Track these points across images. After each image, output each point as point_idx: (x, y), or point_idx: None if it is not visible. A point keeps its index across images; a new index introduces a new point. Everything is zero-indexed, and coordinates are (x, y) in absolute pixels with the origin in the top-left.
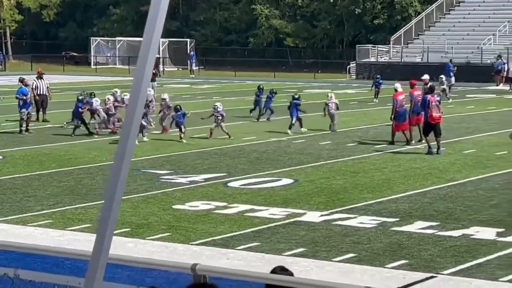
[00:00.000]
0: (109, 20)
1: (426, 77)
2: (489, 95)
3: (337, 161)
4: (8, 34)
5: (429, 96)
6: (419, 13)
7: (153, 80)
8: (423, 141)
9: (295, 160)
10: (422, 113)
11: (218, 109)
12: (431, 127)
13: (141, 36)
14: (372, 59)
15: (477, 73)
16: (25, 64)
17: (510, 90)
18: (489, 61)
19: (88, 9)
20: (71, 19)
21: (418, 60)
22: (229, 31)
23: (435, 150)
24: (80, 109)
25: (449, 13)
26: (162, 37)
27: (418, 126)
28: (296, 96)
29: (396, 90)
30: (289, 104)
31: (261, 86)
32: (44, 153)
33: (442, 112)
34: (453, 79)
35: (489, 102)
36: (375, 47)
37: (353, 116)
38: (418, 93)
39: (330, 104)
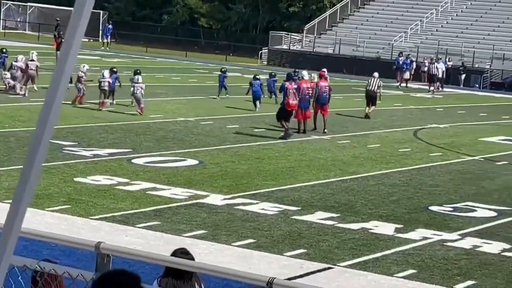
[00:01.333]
0: None
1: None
2: (396, 91)
3: (243, 146)
4: None
5: (287, 84)
6: (334, 5)
7: (58, 49)
8: (324, 130)
9: (202, 141)
10: (327, 103)
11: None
12: (287, 113)
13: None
14: (285, 47)
15: (386, 69)
16: None
17: (432, 90)
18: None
19: None
20: None
21: (330, 51)
22: (144, 6)
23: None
24: None
25: (363, 7)
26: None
27: (323, 116)
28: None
29: (302, 78)
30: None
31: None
32: None
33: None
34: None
35: (396, 99)
36: (288, 34)
37: (263, 103)
38: (324, 84)
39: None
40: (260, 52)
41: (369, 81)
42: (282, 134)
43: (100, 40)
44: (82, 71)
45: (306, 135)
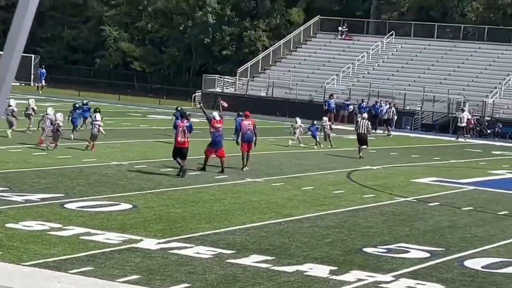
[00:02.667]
0: None
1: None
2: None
3: (177, 189)
4: None
5: (178, 121)
6: (266, 48)
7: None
8: (244, 169)
9: (135, 185)
10: (253, 140)
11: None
12: (178, 151)
13: None
14: (218, 90)
15: (319, 112)
16: None
17: (386, 134)
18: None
19: None
20: None
21: (263, 94)
22: (76, 50)
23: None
24: None
25: (295, 51)
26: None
27: (247, 153)
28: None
29: (214, 118)
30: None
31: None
32: None
33: (187, 138)
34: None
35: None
36: (221, 77)
37: (196, 145)
38: (248, 122)
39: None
40: (194, 95)
41: (359, 123)
42: (178, 171)
43: (32, 84)
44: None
45: (240, 178)
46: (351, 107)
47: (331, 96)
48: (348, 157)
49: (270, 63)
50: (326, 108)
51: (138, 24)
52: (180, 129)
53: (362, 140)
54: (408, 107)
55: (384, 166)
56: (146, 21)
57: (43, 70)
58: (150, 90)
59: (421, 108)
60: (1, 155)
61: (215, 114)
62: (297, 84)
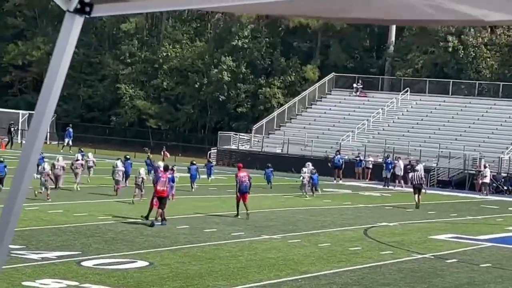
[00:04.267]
0: None
1: None
2: (345, 190)
3: (194, 246)
4: None
5: (161, 173)
6: (281, 105)
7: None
8: (248, 214)
9: (152, 242)
10: (248, 191)
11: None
12: (159, 199)
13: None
14: (233, 147)
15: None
16: None
17: (398, 186)
18: (346, 157)
19: None
20: None
21: (278, 151)
22: (92, 108)
23: (159, 222)
24: None
25: (311, 107)
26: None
27: (244, 203)
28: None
29: (159, 168)
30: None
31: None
32: None
33: (167, 187)
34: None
35: (346, 197)
36: (237, 134)
37: (212, 202)
38: (243, 174)
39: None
40: (209, 152)
41: (413, 175)
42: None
43: (48, 142)
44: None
45: (256, 235)
46: (369, 163)
47: (337, 152)
48: (365, 213)
49: (285, 120)
50: (333, 164)
51: (154, 82)
52: (162, 179)
53: (417, 189)
54: (423, 164)
55: (401, 222)
56: (162, 79)
57: (71, 130)
58: (166, 147)
59: (437, 165)
60: None
61: (160, 163)
62: (312, 140)
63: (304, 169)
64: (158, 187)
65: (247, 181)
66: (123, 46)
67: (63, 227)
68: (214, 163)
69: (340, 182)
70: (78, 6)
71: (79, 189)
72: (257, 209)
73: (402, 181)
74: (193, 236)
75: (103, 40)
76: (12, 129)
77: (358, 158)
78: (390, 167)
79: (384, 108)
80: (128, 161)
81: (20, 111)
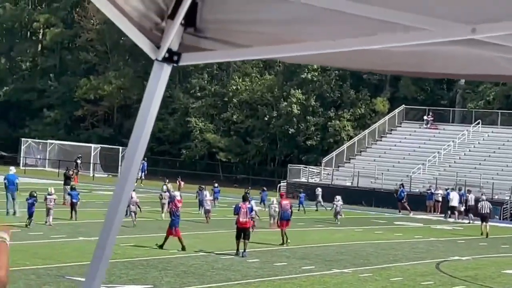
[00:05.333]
0: (42, 122)
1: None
2: (417, 223)
3: (264, 280)
4: None
5: (241, 203)
6: (351, 137)
7: (66, 183)
8: (285, 245)
9: (222, 276)
10: (290, 218)
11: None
12: (239, 231)
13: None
14: (303, 180)
15: (407, 201)
16: None
17: (444, 218)
18: (417, 190)
19: (21, 110)
20: (3, 118)
21: (348, 183)
22: (162, 141)
23: (241, 252)
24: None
25: (381, 140)
26: (94, 143)
27: (284, 230)
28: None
29: (176, 198)
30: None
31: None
32: None
33: (249, 218)
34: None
35: (417, 231)
36: (306, 167)
37: (280, 235)
38: (286, 202)
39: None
40: (279, 185)
41: (481, 205)
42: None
43: (118, 175)
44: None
45: (327, 268)
46: (439, 196)
47: (401, 185)
48: (437, 246)
49: (355, 152)
50: (397, 197)
51: (224, 115)
52: (243, 210)
53: (484, 218)
54: (496, 197)
55: (474, 256)
56: (231, 112)
57: (145, 163)
58: (235, 180)
59: (510, 197)
60: (86, 246)
61: (177, 193)
62: (382, 173)
63: (338, 197)
64: (240, 219)
65: (289, 209)
66: (193, 80)
67: (135, 260)
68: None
69: (400, 214)
70: (167, 55)
71: (163, 218)
72: (328, 243)
73: (456, 213)
74: (263, 270)
75: (173, 74)
76: (79, 161)
77: (429, 191)
78: (448, 198)
79: (455, 141)
80: (204, 191)
81: (92, 145)
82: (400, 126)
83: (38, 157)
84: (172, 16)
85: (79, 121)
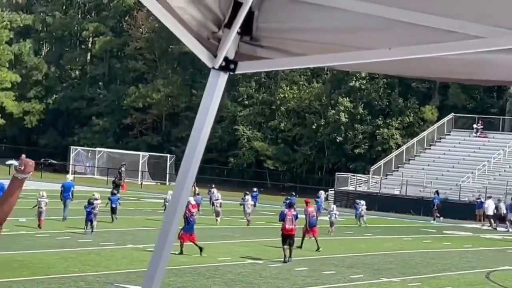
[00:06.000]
0: (91, 130)
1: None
2: (466, 232)
3: None
4: None
5: (286, 210)
6: (399, 146)
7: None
8: (319, 249)
9: (270, 284)
10: (316, 225)
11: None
12: (286, 237)
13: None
14: (351, 188)
15: (455, 210)
16: (3, 168)
17: (491, 228)
18: (467, 199)
19: (71, 118)
20: (53, 126)
21: (396, 192)
22: (210, 149)
23: (288, 258)
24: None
25: (429, 148)
26: (142, 150)
27: (314, 237)
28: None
29: (190, 203)
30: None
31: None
32: (17, 260)
33: (295, 225)
34: None
35: (466, 240)
36: (354, 176)
37: (330, 244)
38: (311, 209)
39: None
40: (327, 193)
41: None
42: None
43: (167, 184)
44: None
45: (375, 277)
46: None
47: (436, 192)
48: (487, 256)
49: (404, 161)
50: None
51: (271, 123)
52: (289, 217)
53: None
54: None
55: None
56: (279, 120)
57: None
58: (283, 188)
59: None
60: (135, 253)
61: (191, 198)
62: (431, 182)
63: (362, 202)
64: (286, 226)
65: (315, 216)
66: (241, 88)
67: (183, 268)
68: (333, 204)
69: (434, 222)
70: (223, 64)
71: (218, 221)
72: (376, 251)
73: (491, 220)
74: (311, 279)
75: None
76: (123, 169)
77: (479, 200)
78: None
79: (505, 149)
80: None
81: (140, 153)
82: (449, 135)
83: (87, 165)
84: (229, 25)
85: (127, 129)
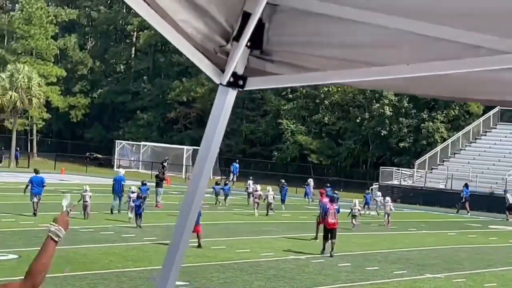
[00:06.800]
0: (136, 124)
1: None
2: (510, 227)
3: (355, 285)
4: (34, 131)
5: (328, 205)
6: (445, 140)
7: (159, 185)
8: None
9: (313, 280)
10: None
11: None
12: (328, 231)
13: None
14: (395, 182)
15: (500, 205)
16: (49, 162)
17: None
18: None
19: (115, 112)
20: (98, 120)
21: (441, 186)
22: (254, 143)
23: (330, 252)
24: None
25: (475, 142)
26: (187, 144)
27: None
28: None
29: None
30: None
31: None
32: (60, 255)
33: (337, 219)
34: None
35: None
36: (399, 170)
37: (374, 239)
38: (326, 200)
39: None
40: (371, 187)
41: None
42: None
43: (211, 178)
44: None
45: (419, 273)
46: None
47: (465, 185)
48: None
49: (449, 154)
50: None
51: (315, 117)
52: (331, 211)
53: None
54: None
55: None
56: (323, 114)
57: (236, 165)
58: (327, 182)
59: None
60: None
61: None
62: (477, 176)
63: (388, 198)
64: (329, 220)
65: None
66: None
67: (226, 263)
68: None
69: (469, 215)
70: (231, 80)
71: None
72: (420, 247)
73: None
74: (354, 275)
75: None
76: (165, 164)
77: None
78: None
79: None
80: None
81: (185, 147)
82: (495, 128)
83: (132, 159)
84: (238, 38)
85: (172, 123)
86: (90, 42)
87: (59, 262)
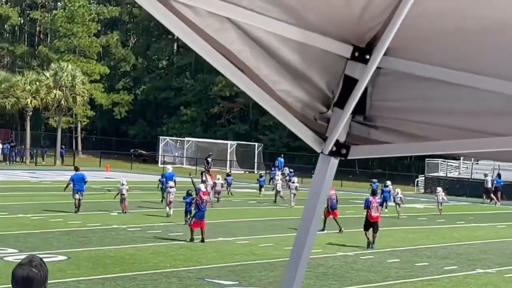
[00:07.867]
0: (179, 120)
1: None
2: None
3: (406, 282)
4: (79, 129)
5: (371, 198)
6: None
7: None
8: (341, 230)
9: (363, 277)
10: (336, 208)
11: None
12: (370, 224)
13: (209, 138)
14: (441, 174)
15: None
16: (94, 160)
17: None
18: None
19: (159, 108)
20: (141, 117)
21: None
22: (296, 136)
23: (370, 244)
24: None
25: None
26: (230, 139)
27: (336, 219)
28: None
29: (201, 190)
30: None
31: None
32: (109, 255)
33: (380, 213)
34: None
35: None
36: (444, 161)
37: (422, 233)
38: (332, 192)
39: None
40: (417, 180)
41: None
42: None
43: (256, 172)
44: None
45: (470, 268)
46: None
47: (498, 175)
48: None
49: None
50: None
51: None
52: (374, 204)
53: None
54: None
55: None
56: None
57: (281, 160)
58: (372, 175)
59: None
60: (230, 246)
61: (201, 186)
62: None
63: (439, 188)
64: (373, 213)
65: (336, 199)
66: None
67: (274, 261)
68: (422, 191)
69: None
70: (334, 149)
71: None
72: (470, 241)
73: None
74: (404, 271)
75: None
76: (209, 159)
77: None
78: None
79: None
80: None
81: (228, 142)
82: None
83: (176, 154)
84: (341, 104)
85: (215, 118)
86: (132, 39)
87: (108, 263)
